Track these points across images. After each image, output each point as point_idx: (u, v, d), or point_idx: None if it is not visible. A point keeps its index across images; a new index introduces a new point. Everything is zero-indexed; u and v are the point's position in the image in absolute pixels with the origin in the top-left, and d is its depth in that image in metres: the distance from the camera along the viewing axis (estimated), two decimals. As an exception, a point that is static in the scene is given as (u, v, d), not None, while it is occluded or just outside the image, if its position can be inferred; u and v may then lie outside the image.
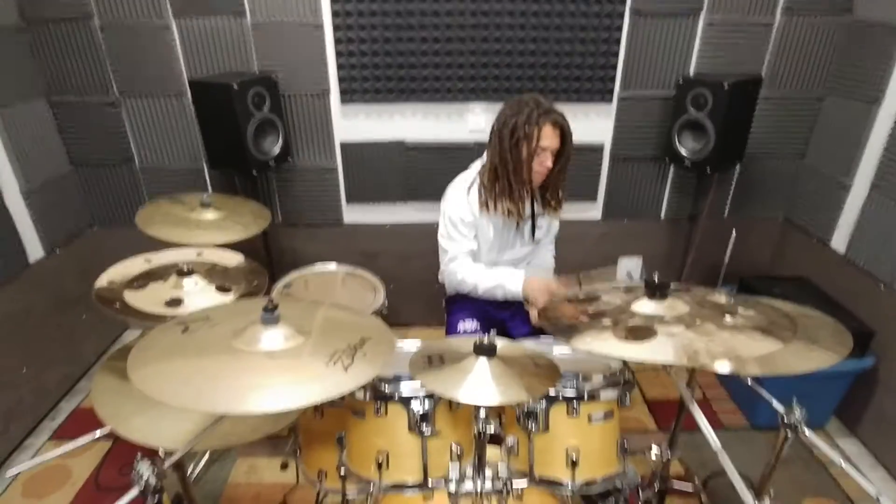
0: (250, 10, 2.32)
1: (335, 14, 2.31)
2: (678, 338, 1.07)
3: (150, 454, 1.02)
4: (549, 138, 1.68)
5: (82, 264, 2.56)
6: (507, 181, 1.74)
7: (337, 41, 2.37)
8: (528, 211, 1.86)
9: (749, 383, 1.33)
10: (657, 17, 2.37)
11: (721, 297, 1.29)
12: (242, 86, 2.13)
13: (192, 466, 1.97)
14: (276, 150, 2.37)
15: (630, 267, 2.91)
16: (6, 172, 2.19)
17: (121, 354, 1.39)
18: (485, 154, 1.83)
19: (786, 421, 1.15)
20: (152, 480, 0.94)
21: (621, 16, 2.35)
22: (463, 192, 1.83)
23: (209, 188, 2.66)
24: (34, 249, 2.33)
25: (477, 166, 1.88)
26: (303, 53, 2.40)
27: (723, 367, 0.98)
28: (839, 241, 2.39)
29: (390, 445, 1.33)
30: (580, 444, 1.34)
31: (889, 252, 2.11)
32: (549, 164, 1.72)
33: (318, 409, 1.52)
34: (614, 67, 2.45)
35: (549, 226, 1.99)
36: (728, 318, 1.14)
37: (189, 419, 1.21)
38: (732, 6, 2.35)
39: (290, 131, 2.54)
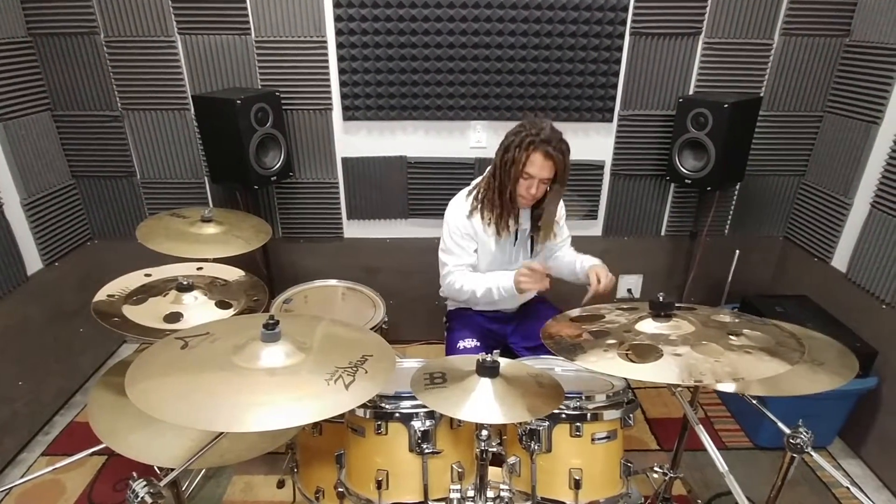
0: (255, 28, 2.34)
1: (339, 32, 2.33)
2: (684, 358, 1.06)
3: (146, 470, 1.00)
4: (536, 166, 1.65)
5: (81, 277, 2.55)
6: (495, 196, 1.75)
7: (340, 58, 2.38)
8: (520, 226, 1.86)
9: (753, 403, 1.32)
10: (657, 37, 2.39)
11: (726, 317, 1.28)
12: (245, 101, 2.14)
13: (186, 483, 1.94)
14: (278, 165, 2.37)
15: (630, 284, 2.91)
16: (7, 184, 2.19)
17: (118, 370, 1.38)
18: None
19: (792, 442, 1.14)
20: (148, 500, 0.92)
21: (621, 36, 2.38)
22: (463, 202, 1.84)
23: (210, 202, 2.67)
24: (33, 261, 2.32)
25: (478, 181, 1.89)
26: (306, 70, 2.42)
27: (728, 387, 0.97)
28: (840, 259, 2.39)
29: (390, 464, 1.32)
30: (583, 464, 1.32)
31: (890, 271, 2.11)
32: (535, 191, 1.69)
33: (317, 427, 1.51)
34: (615, 87, 2.47)
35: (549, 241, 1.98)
36: (734, 339, 1.13)
37: (186, 436, 1.20)
38: (731, 28, 2.38)
39: (292, 146, 2.55)
